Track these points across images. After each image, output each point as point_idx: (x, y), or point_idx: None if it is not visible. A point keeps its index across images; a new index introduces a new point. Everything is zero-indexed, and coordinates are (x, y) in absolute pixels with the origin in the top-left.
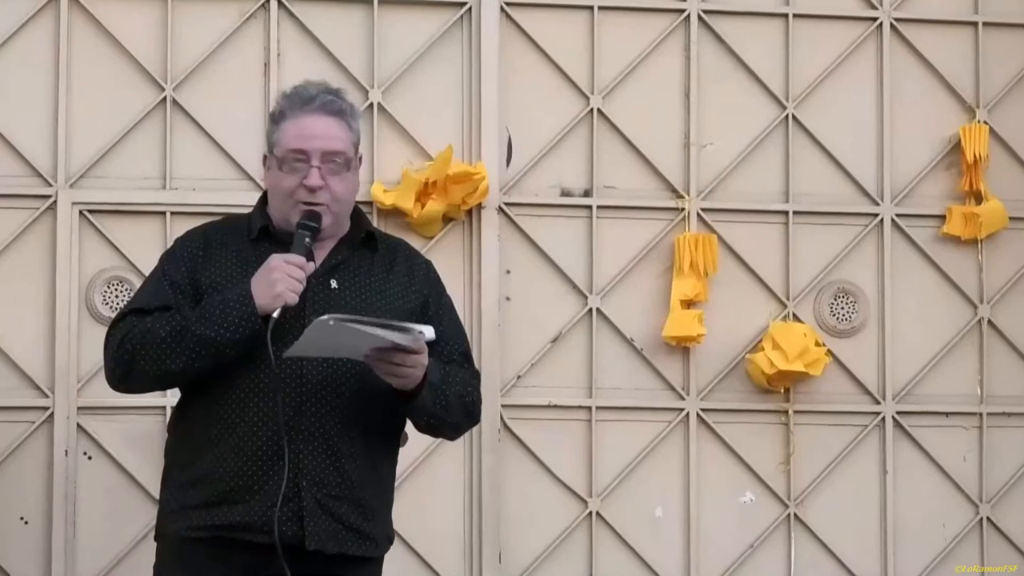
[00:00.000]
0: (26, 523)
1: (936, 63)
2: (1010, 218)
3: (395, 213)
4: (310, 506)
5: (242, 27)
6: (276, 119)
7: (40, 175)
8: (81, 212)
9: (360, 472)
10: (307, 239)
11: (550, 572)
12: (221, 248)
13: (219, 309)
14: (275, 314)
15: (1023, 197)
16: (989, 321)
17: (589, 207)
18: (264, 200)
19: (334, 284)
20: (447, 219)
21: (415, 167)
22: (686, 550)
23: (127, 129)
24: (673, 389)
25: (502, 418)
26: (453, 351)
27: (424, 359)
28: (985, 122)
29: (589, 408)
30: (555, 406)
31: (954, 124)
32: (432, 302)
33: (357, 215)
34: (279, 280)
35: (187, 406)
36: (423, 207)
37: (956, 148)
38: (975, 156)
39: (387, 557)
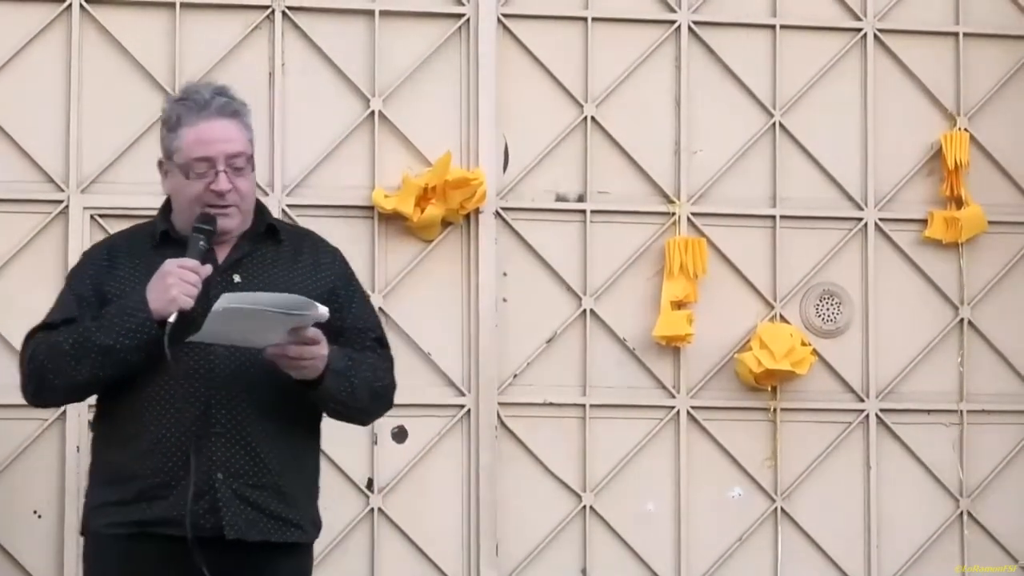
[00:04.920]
0: (39, 517)
1: (918, 72)
2: (989, 222)
3: (395, 217)
4: (226, 497)
5: (247, 38)
6: (172, 126)
7: (53, 181)
8: (92, 216)
9: (279, 460)
10: (201, 242)
11: (545, 564)
12: (126, 257)
13: (117, 317)
14: (171, 318)
15: (1002, 202)
16: (969, 322)
17: (583, 212)
18: (166, 207)
19: (237, 278)
20: (446, 223)
21: (415, 173)
22: (676, 543)
23: (136, 136)
24: (664, 387)
25: (499, 416)
26: (366, 337)
27: (323, 350)
28: (966, 129)
29: (583, 406)
30: (550, 404)
31: (936, 131)
32: (341, 289)
33: (259, 209)
34: (173, 285)
35: (105, 405)
36: (423, 211)
37: (938, 155)
38: (956, 162)
39: (388, 550)
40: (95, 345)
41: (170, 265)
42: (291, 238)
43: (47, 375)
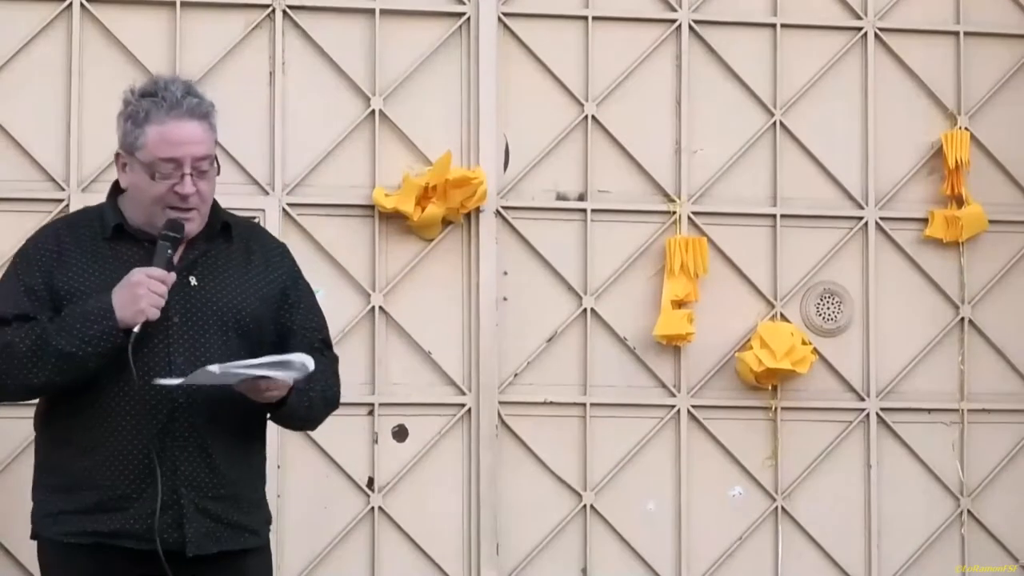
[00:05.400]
0: None
1: (919, 71)
2: (990, 221)
3: (396, 216)
4: (190, 512)
5: (248, 37)
6: (139, 121)
7: (53, 180)
8: None
9: (237, 469)
10: (168, 250)
11: (546, 564)
12: (76, 248)
13: (79, 322)
14: (136, 329)
15: (1003, 201)
16: (970, 321)
17: (584, 211)
18: (114, 195)
19: (193, 281)
20: (446, 222)
21: (415, 172)
22: (677, 542)
23: None
24: (665, 386)
25: (500, 415)
26: (313, 338)
27: (288, 380)
28: (966, 128)
29: (584, 405)
30: (551, 403)
31: (936, 130)
32: (291, 290)
33: (213, 206)
34: (143, 296)
35: (55, 409)
36: (423, 211)
37: (938, 154)
38: (957, 161)
39: (388, 549)
40: (55, 350)
41: (139, 274)
42: (241, 234)
43: (0, 375)
